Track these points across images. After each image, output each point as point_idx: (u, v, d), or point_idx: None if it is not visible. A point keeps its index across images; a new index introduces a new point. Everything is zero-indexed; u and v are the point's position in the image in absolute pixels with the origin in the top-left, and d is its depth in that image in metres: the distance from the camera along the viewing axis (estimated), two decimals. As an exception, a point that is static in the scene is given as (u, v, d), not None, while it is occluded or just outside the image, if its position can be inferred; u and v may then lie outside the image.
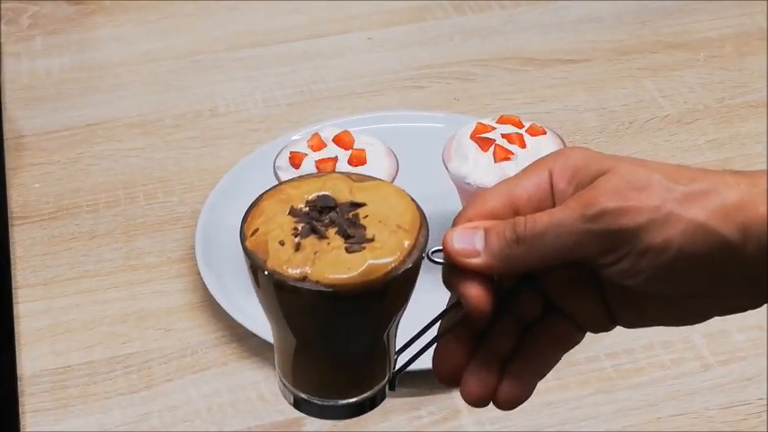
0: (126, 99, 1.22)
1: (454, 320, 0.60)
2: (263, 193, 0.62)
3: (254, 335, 0.92)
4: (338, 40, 1.30)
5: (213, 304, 0.96)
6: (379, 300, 0.59)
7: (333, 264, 0.57)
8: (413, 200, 0.62)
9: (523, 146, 0.93)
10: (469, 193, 0.94)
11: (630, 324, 0.62)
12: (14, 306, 0.98)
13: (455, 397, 0.89)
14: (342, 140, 0.94)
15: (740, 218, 0.56)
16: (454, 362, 0.61)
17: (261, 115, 1.19)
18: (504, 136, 0.94)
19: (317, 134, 0.96)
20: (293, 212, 0.60)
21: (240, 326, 0.93)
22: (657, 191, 0.56)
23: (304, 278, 0.57)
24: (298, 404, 0.63)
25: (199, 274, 0.98)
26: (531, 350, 0.61)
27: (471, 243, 0.58)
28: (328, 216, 0.59)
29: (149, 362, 0.93)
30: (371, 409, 0.63)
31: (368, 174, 0.92)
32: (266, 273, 0.58)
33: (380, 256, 0.58)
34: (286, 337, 0.62)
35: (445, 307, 0.62)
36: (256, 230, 0.60)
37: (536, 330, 0.61)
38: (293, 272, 0.57)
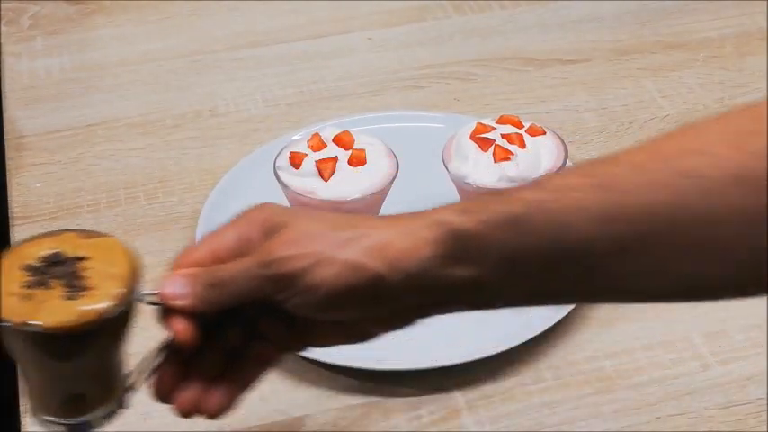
0: (126, 99, 1.22)
1: (163, 350, 0.73)
2: (3, 252, 0.72)
3: (255, 335, 0.92)
4: (338, 40, 1.30)
5: (213, 304, 0.96)
6: (93, 339, 0.70)
7: (52, 310, 0.68)
8: (132, 252, 0.73)
9: (523, 146, 0.93)
10: (469, 194, 0.94)
11: (317, 345, 0.75)
12: (15, 306, 0.98)
13: (455, 397, 0.89)
14: (342, 140, 0.95)
15: (385, 253, 0.68)
16: (167, 384, 0.73)
17: (261, 115, 1.19)
18: (503, 136, 0.94)
19: (317, 134, 0.96)
20: (27, 268, 0.70)
21: (240, 326, 0.93)
22: (321, 239, 0.70)
23: (30, 323, 0.67)
24: (45, 427, 0.74)
25: (199, 274, 0.98)
26: (237, 369, 0.74)
27: (179, 287, 0.71)
28: (56, 269, 0.70)
29: (150, 362, 0.93)
30: (102, 424, 0.75)
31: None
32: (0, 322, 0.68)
33: (93, 302, 0.69)
34: (28, 373, 0.73)
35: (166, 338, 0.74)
36: None
37: (241, 353, 0.74)
38: (18, 319, 0.67)
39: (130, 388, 0.75)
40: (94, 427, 0.75)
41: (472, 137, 0.95)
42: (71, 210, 1.08)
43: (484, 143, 0.94)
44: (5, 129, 1.17)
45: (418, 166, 1.00)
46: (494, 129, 0.95)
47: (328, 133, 0.96)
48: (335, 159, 0.93)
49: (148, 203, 1.08)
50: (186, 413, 0.74)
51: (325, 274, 0.69)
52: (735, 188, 0.65)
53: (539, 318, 0.92)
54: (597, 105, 1.19)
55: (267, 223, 0.72)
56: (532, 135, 0.95)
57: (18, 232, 1.05)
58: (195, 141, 1.16)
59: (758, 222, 0.64)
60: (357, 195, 0.92)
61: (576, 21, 1.31)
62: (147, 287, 0.71)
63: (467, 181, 0.93)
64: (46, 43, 1.30)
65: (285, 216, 0.72)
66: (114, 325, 0.71)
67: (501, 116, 0.97)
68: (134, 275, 0.71)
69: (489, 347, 0.90)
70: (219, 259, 0.72)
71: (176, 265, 0.73)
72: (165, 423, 0.88)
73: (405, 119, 1.14)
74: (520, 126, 0.96)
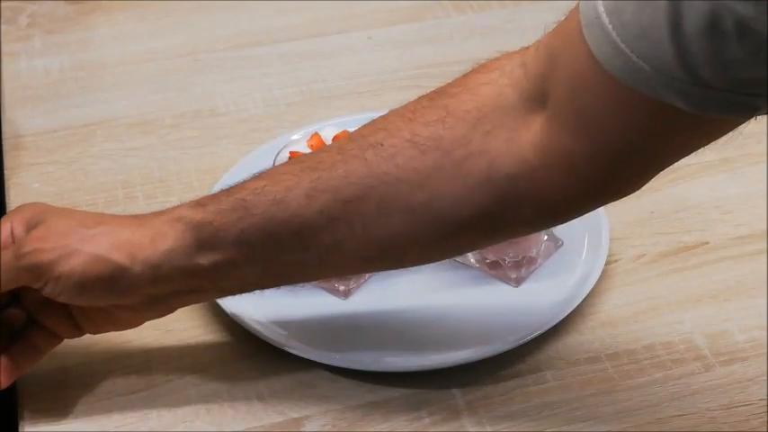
0: (125, 99, 1.21)
1: None
2: None
3: (254, 335, 0.92)
4: (338, 40, 1.29)
5: (213, 304, 0.96)
6: None
7: None
8: None
9: (524, 146, 0.93)
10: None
11: (90, 331, 0.86)
12: (13, 306, 0.98)
13: (455, 397, 0.89)
14: (342, 140, 0.94)
15: (128, 248, 0.80)
16: None
17: (261, 115, 1.19)
18: (504, 136, 0.94)
19: (316, 134, 0.96)
20: None
21: (240, 326, 0.93)
22: (69, 234, 0.80)
23: None
24: None
25: (198, 274, 0.97)
26: (14, 352, 0.84)
27: None
28: None
29: (149, 362, 0.93)
30: None
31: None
32: None
33: None
34: None
35: None
36: None
37: (20, 337, 0.85)
38: None
39: None
40: None
41: (473, 136, 0.94)
42: (70, 209, 1.07)
43: (484, 143, 0.93)
44: (3, 128, 1.17)
45: (418, 166, 1.00)
46: (494, 128, 0.95)
47: (328, 133, 0.96)
48: (335, 159, 0.93)
49: (147, 203, 1.08)
50: None
51: (73, 264, 0.79)
52: (410, 150, 0.77)
53: (539, 318, 0.92)
54: (598, 105, 1.19)
55: (30, 220, 0.83)
56: (533, 135, 0.95)
57: (17, 232, 1.05)
58: (195, 141, 1.15)
59: (428, 179, 0.76)
60: (357, 195, 0.91)
61: (576, 20, 1.31)
62: None
63: (467, 181, 0.93)
64: (44, 42, 1.30)
65: (45, 214, 0.83)
66: None
67: (501, 116, 0.97)
68: None
69: (489, 347, 0.90)
70: None
71: None
72: (165, 423, 0.88)
73: (405, 119, 1.14)
74: (520, 126, 0.95)
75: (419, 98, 0.82)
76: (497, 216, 0.78)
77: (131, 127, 1.17)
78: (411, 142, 0.78)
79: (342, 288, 0.96)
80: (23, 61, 1.27)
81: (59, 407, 0.89)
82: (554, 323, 0.92)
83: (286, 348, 0.91)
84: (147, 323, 0.95)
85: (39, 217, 0.83)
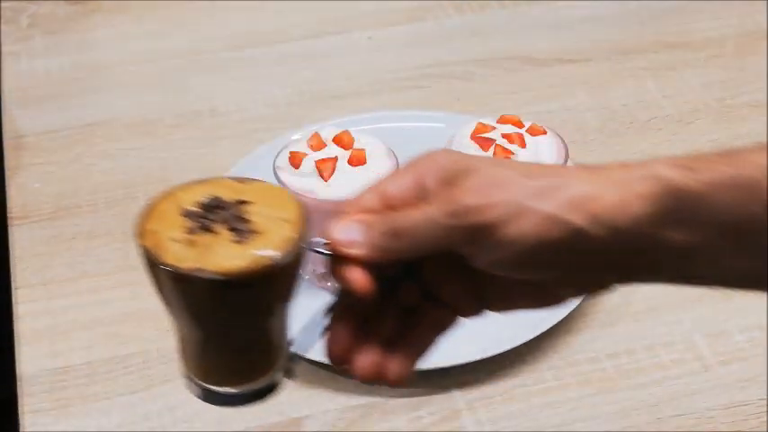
0: (126, 99, 1.21)
1: (341, 306, 0.67)
2: (155, 197, 0.67)
3: (254, 335, 0.92)
4: (338, 40, 1.29)
5: (213, 304, 0.96)
6: (267, 286, 0.64)
7: (223, 254, 0.63)
8: (296, 197, 0.68)
9: (523, 145, 0.93)
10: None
11: (498, 309, 0.68)
12: (14, 306, 0.98)
13: (455, 397, 0.89)
14: (342, 140, 0.94)
15: (589, 207, 0.62)
16: (344, 344, 0.66)
17: (261, 115, 1.19)
18: (504, 136, 0.94)
19: (316, 134, 0.96)
20: (185, 213, 0.65)
21: (240, 326, 0.93)
22: (512, 187, 0.63)
23: (197, 269, 0.62)
24: (202, 395, 0.68)
25: (199, 274, 0.98)
26: (412, 333, 0.67)
27: (353, 234, 0.64)
28: (218, 214, 0.65)
29: (149, 362, 0.93)
30: (270, 394, 0.68)
31: (367, 172, 0.92)
32: (163, 267, 0.63)
33: (266, 246, 0.63)
34: (188, 329, 0.67)
35: (331, 297, 0.67)
36: (151, 230, 0.66)
37: (416, 315, 0.67)
38: (187, 264, 0.62)
39: (294, 355, 0.69)
40: (250, 402, 0.68)
41: (472, 137, 0.94)
42: (70, 209, 1.08)
43: (484, 143, 0.93)
44: (4, 128, 1.17)
45: (418, 166, 1.00)
46: (494, 128, 0.95)
47: (328, 133, 0.96)
48: (335, 159, 0.93)
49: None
50: (368, 378, 0.67)
51: (523, 228, 0.62)
52: None
53: (539, 318, 0.92)
54: (597, 105, 1.19)
55: (447, 169, 0.65)
56: (533, 135, 0.95)
57: (17, 232, 1.05)
58: (195, 141, 1.16)
59: None
60: (357, 195, 0.92)
61: (576, 21, 1.31)
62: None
63: (467, 181, 0.93)
64: (45, 43, 1.30)
65: (468, 161, 0.65)
66: (285, 273, 0.64)
67: (501, 116, 0.97)
68: (303, 219, 0.65)
69: (489, 347, 0.90)
70: (391, 207, 0.65)
71: (343, 212, 0.66)
72: (164, 423, 0.88)
73: (405, 119, 1.14)
74: (520, 126, 0.95)
75: None
76: None
77: (132, 127, 1.18)
78: None
79: (342, 288, 0.96)
80: (24, 61, 1.27)
81: (59, 407, 0.89)
82: (554, 323, 0.92)
83: (286, 348, 0.91)
84: (147, 323, 0.95)
85: (460, 165, 0.65)
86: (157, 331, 0.95)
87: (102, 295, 0.99)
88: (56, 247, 1.04)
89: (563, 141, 0.96)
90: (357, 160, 0.93)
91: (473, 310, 0.68)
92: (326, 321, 0.67)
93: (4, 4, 1.35)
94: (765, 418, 0.87)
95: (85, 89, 1.23)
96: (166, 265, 0.63)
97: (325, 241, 0.64)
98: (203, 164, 1.12)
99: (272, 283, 0.64)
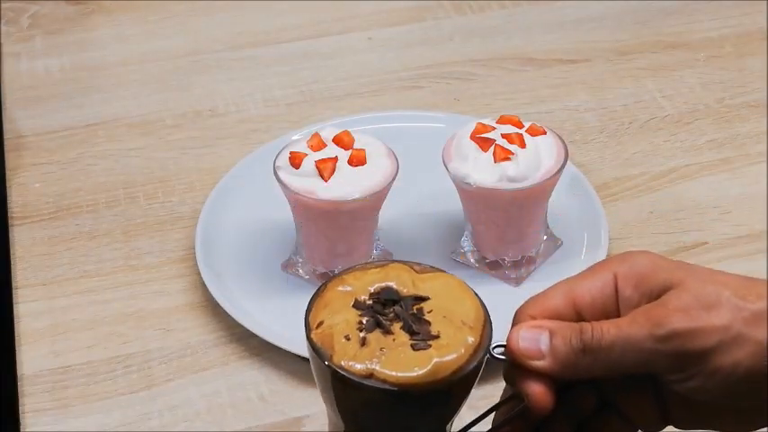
0: (126, 99, 1.21)
1: (513, 413, 0.61)
2: (326, 283, 0.62)
3: (255, 335, 0.92)
4: (338, 40, 1.30)
5: (213, 304, 0.96)
6: (443, 398, 0.59)
7: (399, 361, 0.58)
8: (475, 294, 0.62)
9: (523, 146, 0.93)
10: (469, 193, 0.94)
11: (685, 426, 0.62)
12: (14, 306, 0.98)
13: (455, 397, 0.89)
14: (342, 140, 0.94)
15: None
16: None
17: (261, 115, 1.19)
18: (504, 136, 0.94)
19: (317, 134, 0.96)
20: (357, 305, 0.60)
21: (240, 326, 0.93)
22: (727, 310, 0.57)
23: (370, 375, 0.58)
24: None
25: (199, 274, 0.98)
26: None
27: (536, 344, 0.59)
28: (392, 310, 0.60)
29: (149, 362, 0.93)
30: None
31: (367, 173, 0.92)
32: (332, 368, 0.59)
33: (446, 355, 0.58)
34: (345, 427, 0.63)
35: (500, 398, 0.62)
36: (321, 323, 0.60)
37: (590, 426, 0.63)
38: (359, 368, 0.58)
39: None
40: None
41: (472, 137, 0.95)
42: (70, 209, 1.08)
43: (484, 143, 0.94)
44: (5, 128, 1.17)
45: (418, 166, 1.00)
46: (494, 128, 0.95)
47: (328, 133, 0.96)
48: (335, 159, 0.93)
49: (148, 203, 1.08)
50: None
51: (737, 357, 0.57)
52: None
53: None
54: (597, 105, 1.19)
55: (647, 278, 0.60)
56: (533, 135, 0.95)
57: (17, 232, 1.05)
58: (195, 141, 1.16)
59: None
60: (357, 195, 0.92)
61: (575, 21, 1.31)
62: (494, 337, 0.60)
63: (467, 181, 0.93)
64: (45, 43, 1.30)
65: (673, 270, 0.60)
66: (463, 384, 0.60)
67: (501, 116, 0.97)
68: (484, 324, 0.61)
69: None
70: (580, 311, 0.60)
71: (526, 313, 0.61)
72: (165, 423, 0.88)
73: (405, 119, 1.14)
74: (520, 126, 0.96)
75: None
76: None
77: (132, 127, 1.18)
78: None
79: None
80: (25, 62, 1.27)
81: (59, 407, 0.90)
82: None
83: (286, 348, 0.91)
84: (147, 323, 0.96)
85: (663, 275, 0.60)
86: (157, 331, 0.95)
87: (102, 295, 0.99)
88: (56, 247, 1.04)
89: (563, 141, 0.96)
90: (357, 160, 0.93)
91: (654, 424, 0.63)
92: (496, 421, 0.63)
93: (4, 5, 1.35)
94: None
95: (86, 89, 1.23)
96: (337, 366, 0.59)
97: (506, 346, 0.60)
98: (203, 164, 1.12)
99: (449, 395, 0.60)
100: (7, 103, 1.21)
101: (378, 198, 0.94)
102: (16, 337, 0.95)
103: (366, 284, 0.61)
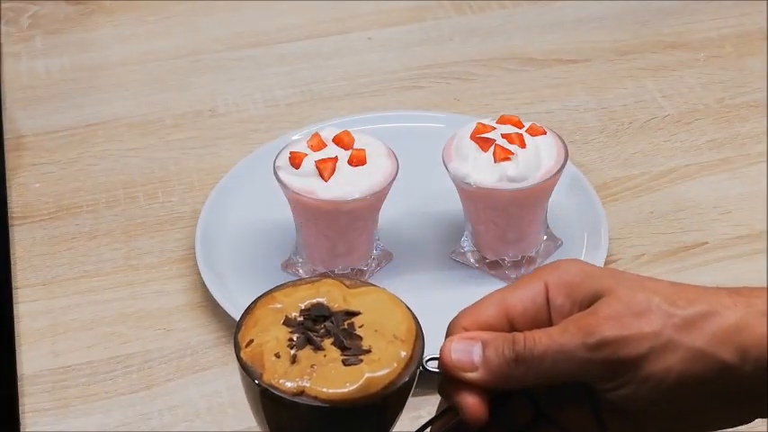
0: (126, 99, 1.22)
1: (448, 427, 0.61)
2: (255, 300, 0.62)
3: (254, 335, 0.92)
4: (338, 40, 1.30)
5: (213, 304, 0.96)
6: (377, 413, 0.60)
7: (330, 378, 0.57)
8: (407, 308, 0.61)
9: (523, 146, 0.93)
10: (469, 193, 0.94)
11: None
12: (14, 306, 0.98)
13: (455, 397, 0.89)
14: (342, 140, 0.94)
15: (738, 340, 0.57)
16: None
17: (261, 115, 1.19)
18: (504, 136, 0.94)
19: (317, 134, 0.96)
20: (287, 322, 0.60)
21: (240, 326, 0.93)
22: (657, 317, 0.58)
23: (301, 392, 0.58)
24: None
25: (199, 274, 0.98)
26: None
27: (469, 355, 0.59)
28: (323, 326, 0.60)
29: (149, 362, 0.93)
30: None
31: (361, 181, 0.92)
32: (262, 386, 0.58)
33: (378, 369, 0.58)
34: None
35: (436, 412, 0.62)
36: (251, 341, 0.60)
37: None
38: (290, 386, 0.57)
39: None
40: None
41: (472, 137, 0.95)
42: (70, 209, 1.08)
43: (484, 143, 0.94)
44: (5, 128, 1.17)
45: (418, 166, 1.00)
46: (494, 128, 0.95)
47: (328, 133, 0.96)
48: (335, 159, 0.93)
49: (148, 203, 1.08)
50: None
51: (669, 362, 0.57)
52: None
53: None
54: (597, 105, 1.19)
55: (578, 287, 0.60)
56: (533, 135, 0.95)
57: (17, 232, 1.05)
58: (195, 141, 1.16)
59: None
60: (357, 195, 0.92)
61: (575, 21, 1.31)
62: (426, 351, 0.60)
63: (467, 181, 0.93)
64: (45, 43, 1.30)
65: (603, 279, 0.60)
66: (395, 398, 0.60)
67: (501, 116, 0.97)
68: (416, 337, 0.61)
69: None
70: (512, 321, 0.60)
71: (459, 325, 0.61)
72: (165, 423, 0.88)
73: (405, 119, 1.14)
74: (520, 126, 0.96)
75: None
76: None
77: (132, 127, 1.18)
78: None
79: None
80: (25, 62, 1.27)
81: (59, 407, 0.90)
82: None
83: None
84: (147, 323, 0.96)
85: (593, 284, 0.60)
86: (157, 331, 0.95)
87: (102, 295, 0.99)
88: (56, 247, 1.04)
89: (563, 141, 0.96)
90: (357, 160, 0.93)
91: None
92: None
93: (4, 5, 1.35)
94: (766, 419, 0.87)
95: (86, 89, 1.23)
96: (267, 385, 0.58)
97: (438, 359, 0.59)
98: (204, 164, 1.12)
99: (382, 409, 0.60)
100: (7, 103, 1.21)
101: (378, 198, 0.94)
102: (16, 337, 0.95)
103: (296, 301, 0.61)
